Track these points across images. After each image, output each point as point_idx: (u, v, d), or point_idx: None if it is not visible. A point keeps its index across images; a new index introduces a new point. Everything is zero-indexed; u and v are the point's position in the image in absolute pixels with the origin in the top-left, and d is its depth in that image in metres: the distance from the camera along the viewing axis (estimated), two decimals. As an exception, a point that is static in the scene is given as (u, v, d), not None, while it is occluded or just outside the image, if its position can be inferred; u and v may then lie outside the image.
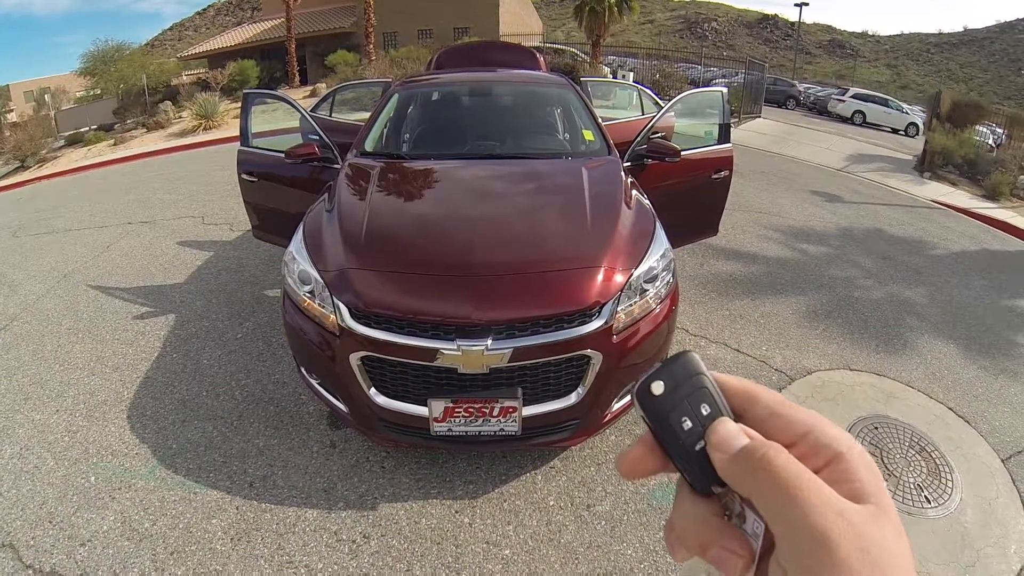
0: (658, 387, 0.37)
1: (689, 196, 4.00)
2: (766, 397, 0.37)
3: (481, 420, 2.31)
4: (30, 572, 2.26)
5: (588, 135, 3.86)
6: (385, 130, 4.03)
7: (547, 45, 25.51)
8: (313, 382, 2.69)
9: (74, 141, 16.84)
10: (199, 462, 2.83)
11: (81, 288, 4.91)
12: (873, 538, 0.29)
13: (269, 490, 2.66)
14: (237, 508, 2.56)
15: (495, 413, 2.30)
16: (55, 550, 2.36)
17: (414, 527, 2.47)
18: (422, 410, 2.34)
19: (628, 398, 2.60)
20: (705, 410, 0.37)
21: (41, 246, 6.15)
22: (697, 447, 0.36)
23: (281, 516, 2.52)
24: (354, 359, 2.37)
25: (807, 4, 44.88)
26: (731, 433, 0.35)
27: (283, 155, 3.68)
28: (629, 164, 3.59)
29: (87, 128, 18.22)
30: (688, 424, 0.37)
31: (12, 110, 31.63)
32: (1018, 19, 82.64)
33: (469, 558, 2.34)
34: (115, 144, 15.43)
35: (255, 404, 3.27)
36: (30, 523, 2.49)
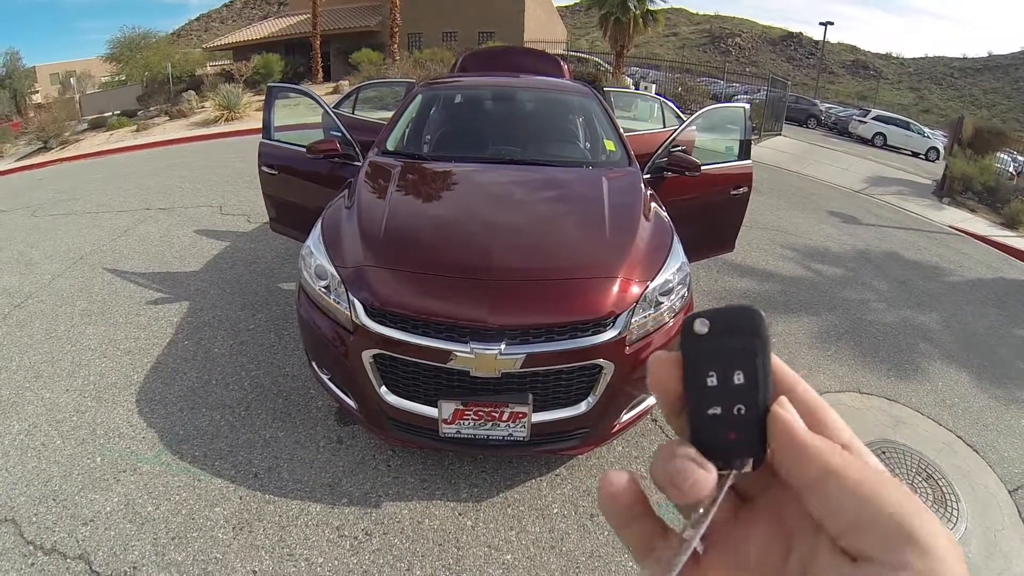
0: (702, 326, 0.33)
1: (707, 211, 3.98)
2: (811, 395, 0.34)
3: (490, 424, 2.31)
4: (31, 548, 2.27)
5: (609, 145, 3.86)
6: (407, 130, 4.05)
7: (571, 53, 25.61)
8: (324, 377, 2.70)
9: (97, 125, 17.06)
10: (205, 449, 2.85)
11: (97, 270, 4.96)
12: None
13: (273, 482, 2.66)
14: (241, 498, 2.57)
15: (505, 418, 2.29)
16: (57, 528, 2.37)
17: (417, 527, 2.47)
18: (432, 411, 2.34)
19: (637, 409, 2.59)
20: (738, 378, 0.32)
21: (59, 227, 6.21)
22: (710, 411, 0.32)
23: (284, 508, 2.52)
24: (366, 356, 2.38)
25: (832, 24, 44.96)
26: (796, 419, 0.32)
27: (304, 149, 3.70)
28: (649, 176, 3.59)
29: (110, 113, 18.47)
30: (712, 382, 0.32)
31: (37, 91, 31.99)
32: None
33: (470, 561, 2.34)
34: (137, 130, 15.62)
35: (264, 395, 3.29)
36: (34, 500, 2.51)
